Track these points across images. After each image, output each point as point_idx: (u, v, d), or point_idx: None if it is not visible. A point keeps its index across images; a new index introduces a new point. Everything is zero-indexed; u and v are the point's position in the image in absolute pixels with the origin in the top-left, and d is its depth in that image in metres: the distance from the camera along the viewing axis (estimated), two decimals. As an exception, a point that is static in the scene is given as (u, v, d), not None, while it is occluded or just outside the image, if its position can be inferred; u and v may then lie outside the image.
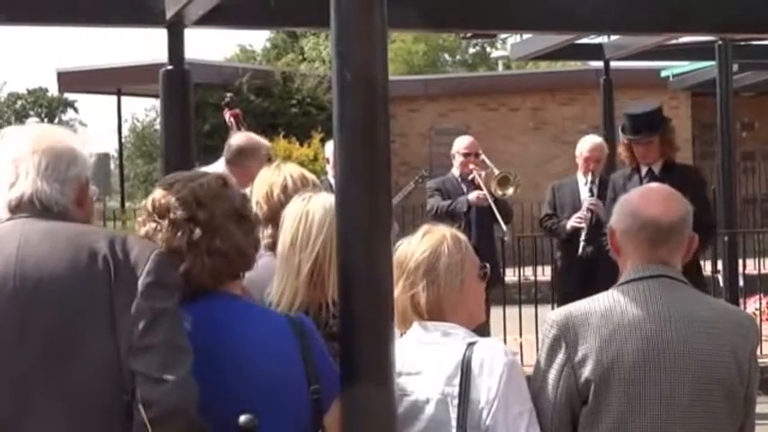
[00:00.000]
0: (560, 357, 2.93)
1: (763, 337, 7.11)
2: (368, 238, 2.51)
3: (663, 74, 15.30)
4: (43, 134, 2.73)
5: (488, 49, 40.79)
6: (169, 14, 5.06)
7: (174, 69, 5.27)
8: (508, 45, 16.75)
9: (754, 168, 19.89)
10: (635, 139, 7.04)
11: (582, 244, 7.84)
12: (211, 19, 5.06)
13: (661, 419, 2.87)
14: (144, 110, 47.52)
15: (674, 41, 9.96)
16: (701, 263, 7.84)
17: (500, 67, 33.78)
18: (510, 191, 8.76)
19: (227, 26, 6.10)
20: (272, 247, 3.44)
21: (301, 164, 7.49)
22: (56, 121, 52.15)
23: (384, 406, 2.51)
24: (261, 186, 3.86)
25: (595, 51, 9.35)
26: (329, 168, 8.06)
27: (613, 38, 9.06)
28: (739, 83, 11.67)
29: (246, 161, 5.96)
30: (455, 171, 8.74)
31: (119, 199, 23.39)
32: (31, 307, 2.50)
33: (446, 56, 44.13)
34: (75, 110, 57.54)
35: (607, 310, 2.94)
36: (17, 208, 2.63)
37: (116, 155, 26.12)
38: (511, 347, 6.53)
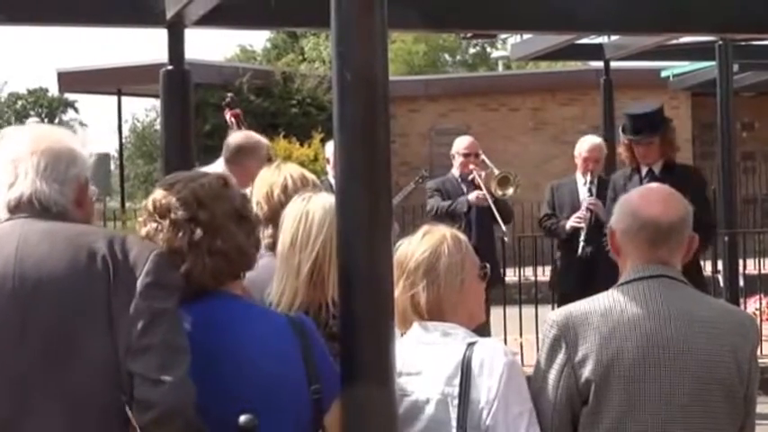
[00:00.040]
0: (560, 357, 2.93)
1: (764, 337, 7.11)
2: (368, 239, 2.51)
3: (663, 74, 15.30)
4: (42, 134, 2.74)
5: (488, 50, 40.79)
6: (169, 14, 5.05)
7: (175, 69, 5.27)
8: (508, 45, 16.75)
9: (754, 168, 19.89)
10: (635, 139, 7.04)
11: (581, 244, 7.83)
12: (212, 19, 5.06)
13: (661, 419, 2.87)
14: (144, 110, 47.51)
15: (674, 41, 9.96)
16: (702, 263, 7.84)
17: (500, 68, 33.77)
18: (510, 191, 8.76)
19: (227, 26, 6.10)
20: (273, 247, 3.44)
21: (301, 164, 7.49)
22: (56, 121, 52.16)
23: (385, 406, 2.51)
24: (261, 186, 3.86)
25: (596, 51, 9.35)
26: (329, 168, 8.06)
27: (614, 38, 9.06)
28: (739, 83, 11.67)
29: (245, 159, 5.96)
30: (455, 171, 8.74)
31: (119, 199, 23.39)
32: (30, 307, 2.50)
33: (446, 56, 44.13)
34: (76, 110, 57.60)
35: (607, 310, 2.94)
36: (16, 208, 2.63)
37: (116, 155, 26.11)
38: (511, 347, 6.53)
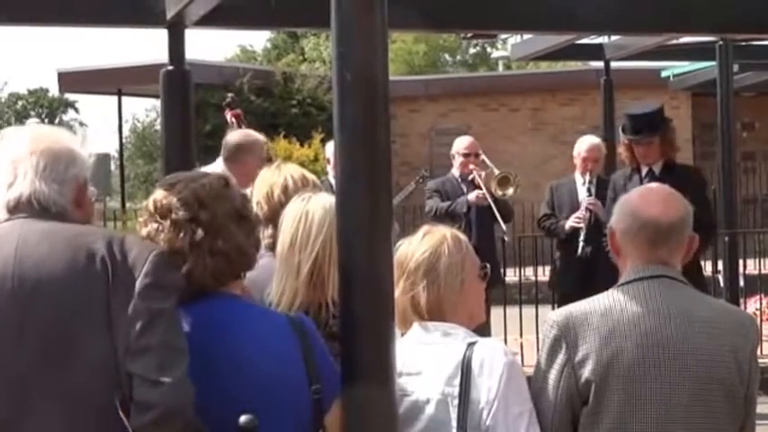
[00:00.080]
0: (561, 358, 2.93)
1: (764, 337, 7.11)
2: (368, 239, 2.51)
3: (663, 74, 15.30)
4: (42, 135, 2.74)
5: (489, 50, 40.80)
6: (170, 15, 5.05)
7: (175, 70, 5.27)
8: (509, 45, 16.75)
9: (754, 168, 19.89)
10: (635, 139, 7.04)
11: (581, 244, 7.83)
12: (212, 19, 5.05)
13: (661, 419, 2.87)
14: (144, 110, 47.58)
15: (674, 42, 9.95)
16: (702, 263, 7.84)
17: (500, 68, 33.76)
18: (510, 191, 8.75)
19: (227, 26, 6.10)
20: (273, 247, 3.44)
21: (302, 164, 7.49)
22: (56, 121, 52.18)
23: (385, 406, 2.51)
24: (261, 187, 3.87)
25: (596, 51, 9.35)
26: (330, 169, 8.06)
27: (614, 38, 9.05)
28: (740, 83, 11.66)
29: (244, 157, 5.98)
30: (455, 171, 8.74)
31: (119, 199, 23.40)
32: (29, 307, 2.50)
33: (446, 56, 44.15)
34: (76, 110, 57.59)
35: (607, 310, 2.94)
36: (15, 208, 2.63)
37: (117, 155, 26.12)
38: (511, 348, 6.53)
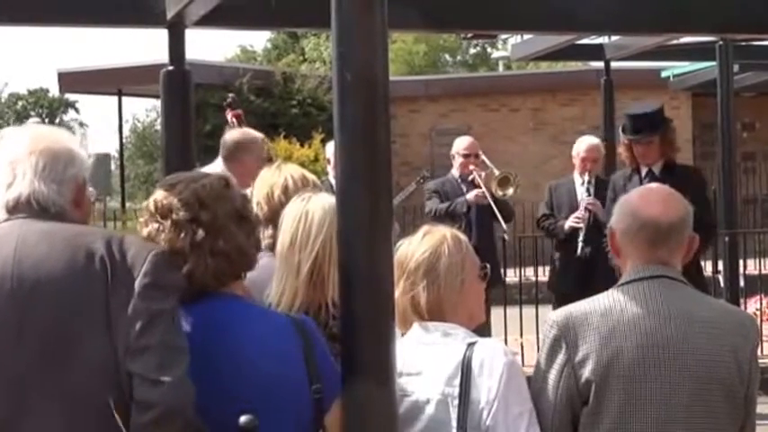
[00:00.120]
0: (561, 358, 2.93)
1: (764, 337, 7.11)
2: (369, 239, 2.51)
3: (663, 74, 15.30)
4: (41, 135, 2.74)
5: (489, 50, 40.81)
6: (170, 15, 5.05)
7: (175, 70, 5.27)
8: (509, 45, 16.74)
9: (754, 169, 19.90)
10: (635, 138, 7.03)
11: (580, 244, 7.83)
12: (212, 19, 5.05)
13: (661, 419, 2.87)
14: (145, 110, 47.58)
15: (674, 42, 9.95)
16: (702, 263, 7.84)
17: (501, 68, 33.76)
18: (510, 191, 8.75)
19: (227, 26, 6.10)
20: (273, 247, 3.44)
21: (302, 164, 7.49)
22: (57, 121, 52.19)
23: (385, 406, 2.51)
24: (261, 187, 3.87)
25: (596, 52, 9.34)
26: (330, 169, 8.05)
27: (614, 38, 9.05)
28: (740, 83, 11.66)
29: (243, 156, 5.98)
30: (455, 172, 8.72)
31: (119, 199, 23.40)
32: (28, 307, 2.50)
33: (447, 56, 44.16)
34: (77, 110, 57.64)
35: (607, 310, 2.94)
36: (14, 209, 2.64)
37: (117, 155, 26.13)
38: (512, 348, 6.53)
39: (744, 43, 9.75)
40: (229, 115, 7.24)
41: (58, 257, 2.53)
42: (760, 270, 11.95)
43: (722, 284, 9.57)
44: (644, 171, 7.06)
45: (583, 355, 2.90)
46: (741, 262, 9.89)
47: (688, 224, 3.05)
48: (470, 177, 8.55)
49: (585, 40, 8.89)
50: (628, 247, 3.03)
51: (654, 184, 4.11)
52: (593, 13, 6.03)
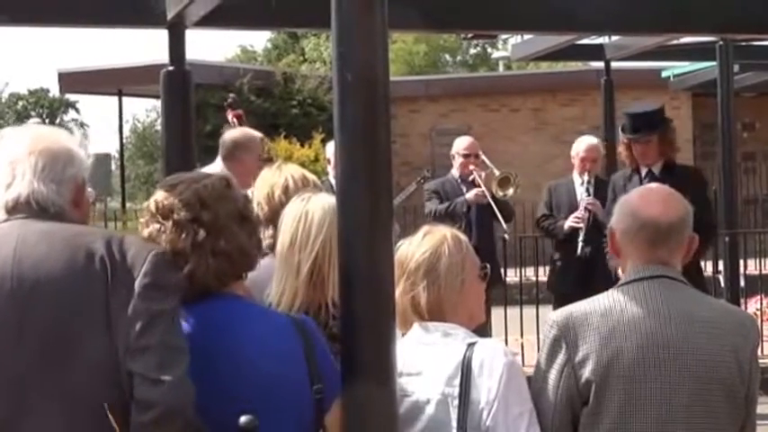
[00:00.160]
0: (561, 358, 2.93)
1: (764, 337, 7.11)
2: (369, 239, 2.51)
3: (664, 74, 15.29)
4: (40, 135, 2.74)
5: (489, 50, 40.82)
6: (170, 15, 5.05)
7: (175, 70, 5.26)
8: (509, 46, 16.74)
9: (755, 169, 19.90)
10: (633, 137, 7.02)
11: (580, 244, 7.82)
12: (212, 19, 5.05)
13: (661, 419, 2.87)
14: (145, 110, 47.57)
15: (674, 42, 9.94)
16: (702, 263, 7.84)
17: (501, 68, 33.76)
18: (510, 191, 8.74)
19: (228, 27, 6.10)
20: (274, 247, 3.44)
21: (302, 164, 7.50)
22: (57, 121, 52.20)
23: (385, 406, 2.51)
24: (262, 187, 3.87)
25: (596, 52, 9.33)
26: (330, 169, 8.05)
27: (614, 38, 9.04)
28: (740, 83, 11.65)
29: (242, 155, 5.99)
30: (455, 172, 8.72)
31: (120, 200, 23.42)
32: (28, 307, 2.51)
33: (447, 56, 44.17)
34: (77, 110, 57.67)
35: (607, 310, 2.94)
36: (14, 209, 2.64)
37: (117, 155, 26.14)
38: (512, 348, 6.53)
39: (744, 43, 9.75)
40: (230, 115, 7.25)
41: (58, 257, 2.53)
42: (760, 270, 11.95)
43: (722, 284, 9.57)
44: (644, 171, 7.06)
45: (583, 356, 2.90)
46: (741, 262, 9.89)
47: (688, 224, 3.05)
48: (470, 177, 8.54)
49: (586, 41, 8.88)
50: (628, 248, 3.03)
51: (654, 184, 4.11)
52: (593, 13, 6.03)
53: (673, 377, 2.87)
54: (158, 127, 27.67)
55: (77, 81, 20.60)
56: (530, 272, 11.51)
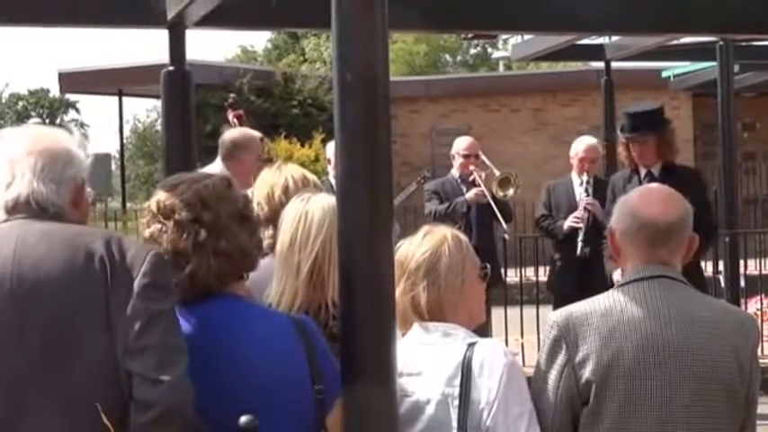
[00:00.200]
0: (561, 358, 2.93)
1: (764, 337, 7.11)
2: (369, 239, 2.50)
3: (664, 74, 15.29)
4: (39, 135, 2.74)
5: (489, 50, 40.84)
6: (170, 15, 5.05)
7: (175, 70, 5.26)
8: (509, 46, 16.74)
9: (755, 169, 19.90)
10: (632, 137, 7.01)
11: (580, 244, 7.82)
12: (212, 20, 5.05)
13: (662, 419, 2.87)
14: (145, 110, 47.62)
15: (675, 42, 9.94)
16: (702, 263, 7.83)
17: (501, 68, 33.77)
18: (510, 192, 8.74)
19: (228, 27, 6.10)
20: (274, 247, 3.44)
21: (302, 164, 7.49)
22: (57, 121, 52.21)
23: (386, 406, 2.51)
24: (262, 187, 3.87)
25: (596, 52, 9.33)
26: (330, 169, 8.06)
27: (614, 38, 9.04)
28: (740, 83, 11.65)
29: (241, 154, 5.99)
30: (455, 172, 8.72)
31: (120, 200, 23.42)
32: (28, 308, 2.51)
33: (447, 56, 44.18)
34: (77, 110, 57.76)
35: (607, 310, 2.94)
36: (13, 209, 2.64)
37: (117, 155, 26.16)
38: (512, 348, 6.53)
39: (744, 43, 9.74)
40: (231, 116, 7.25)
41: (58, 257, 2.53)
42: (760, 270, 11.95)
43: (723, 285, 9.56)
44: (643, 172, 7.05)
45: (583, 356, 2.90)
46: (742, 262, 9.89)
47: (688, 224, 3.05)
48: (470, 178, 8.54)
49: (586, 41, 8.88)
50: (628, 248, 3.03)
51: (654, 185, 4.11)
52: (593, 13, 6.03)
53: (673, 377, 2.87)
54: (159, 127, 27.68)
55: (77, 81, 20.61)
56: (530, 272, 11.51)
